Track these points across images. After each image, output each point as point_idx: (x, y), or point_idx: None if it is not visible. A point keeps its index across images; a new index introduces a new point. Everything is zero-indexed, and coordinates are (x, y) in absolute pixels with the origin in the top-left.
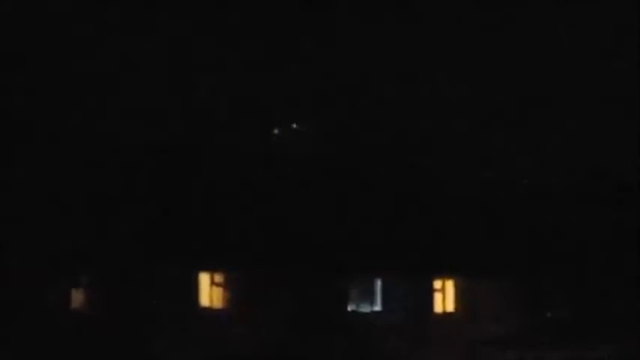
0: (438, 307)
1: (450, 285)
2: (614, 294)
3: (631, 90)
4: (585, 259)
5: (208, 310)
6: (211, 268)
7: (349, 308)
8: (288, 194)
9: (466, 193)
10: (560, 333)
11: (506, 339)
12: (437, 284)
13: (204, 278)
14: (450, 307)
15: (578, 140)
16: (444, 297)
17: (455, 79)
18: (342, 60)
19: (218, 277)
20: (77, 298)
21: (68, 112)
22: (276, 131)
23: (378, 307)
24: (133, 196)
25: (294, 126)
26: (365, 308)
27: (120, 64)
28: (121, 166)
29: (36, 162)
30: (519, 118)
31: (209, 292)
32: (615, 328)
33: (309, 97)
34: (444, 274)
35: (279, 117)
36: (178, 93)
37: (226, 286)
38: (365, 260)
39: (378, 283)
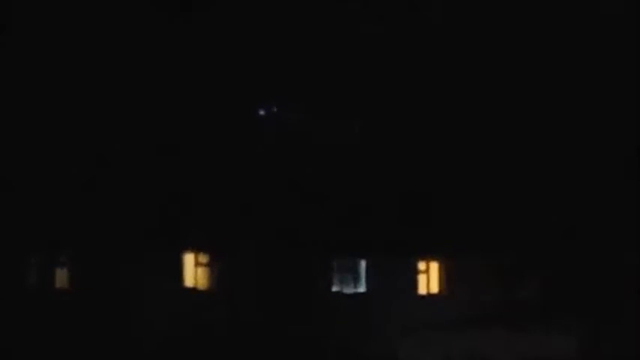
0: (422, 289)
1: (434, 266)
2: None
3: None
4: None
5: (192, 291)
6: (195, 249)
7: (333, 289)
8: (271, 174)
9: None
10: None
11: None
12: (421, 266)
13: (188, 259)
14: (435, 288)
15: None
16: (428, 278)
17: None
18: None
19: (202, 258)
20: (58, 277)
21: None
22: (261, 112)
23: (362, 289)
24: (116, 175)
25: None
26: (349, 289)
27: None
28: (105, 147)
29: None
30: None
31: (193, 272)
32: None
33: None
34: (428, 256)
35: (262, 98)
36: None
37: (210, 266)
38: (349, 241)
39: (362, 265)
